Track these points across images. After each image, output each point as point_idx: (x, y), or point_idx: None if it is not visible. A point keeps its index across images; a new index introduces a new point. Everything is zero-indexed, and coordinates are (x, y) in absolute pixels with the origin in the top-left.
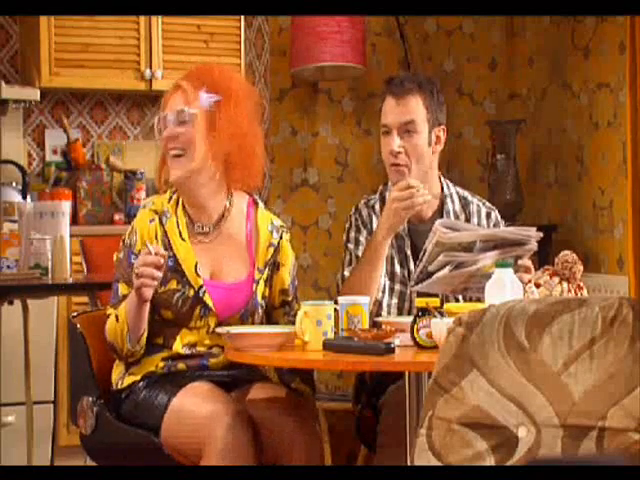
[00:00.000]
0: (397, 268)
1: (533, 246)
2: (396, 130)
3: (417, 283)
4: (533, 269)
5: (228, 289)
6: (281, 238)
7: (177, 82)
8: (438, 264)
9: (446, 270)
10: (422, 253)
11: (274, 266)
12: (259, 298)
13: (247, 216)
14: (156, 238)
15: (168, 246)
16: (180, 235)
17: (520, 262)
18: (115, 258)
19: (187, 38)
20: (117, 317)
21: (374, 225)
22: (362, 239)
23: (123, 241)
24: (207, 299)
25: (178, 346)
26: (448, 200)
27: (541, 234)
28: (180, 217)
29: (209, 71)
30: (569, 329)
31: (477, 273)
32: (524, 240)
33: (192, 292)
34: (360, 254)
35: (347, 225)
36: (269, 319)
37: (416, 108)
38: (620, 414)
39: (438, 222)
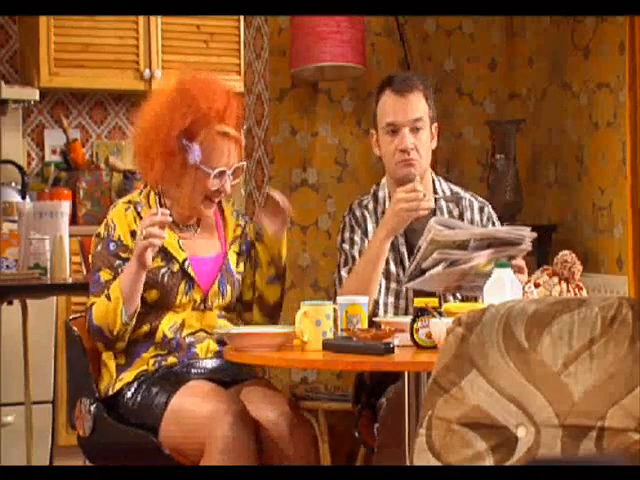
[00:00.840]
0: (392, 267)
1: (527, 246)
2: (406, 128)
3: (410, 280)
4: (526, 269)
5: (206, 261)
6: (247, 222)
7: (225, 130)
8: (432, 261)
9: (440, 267)
10: (416, 250)
11: (246, 249)
12: (232, 265)
13: (215, 211)
14: (135, 223)
15: None
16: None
17: (513, 262)
18: (91, 255)
19: (187, 38)
20: (108, 296)
21: (368, 225)
22: (357, 238)
23: (97, 235)
24: (191, 271)
25: (165, 327)
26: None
27: (535, 234)
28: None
29: (237, 106)
30: (569, 329)
31: (470, 271)
32: (518, 240)
33: (177, 266)
34: (356, 254)
35: (341, 226)
36: (250, 316)
37: (420, 105)
38: (620, 414)
39: (433, 220)
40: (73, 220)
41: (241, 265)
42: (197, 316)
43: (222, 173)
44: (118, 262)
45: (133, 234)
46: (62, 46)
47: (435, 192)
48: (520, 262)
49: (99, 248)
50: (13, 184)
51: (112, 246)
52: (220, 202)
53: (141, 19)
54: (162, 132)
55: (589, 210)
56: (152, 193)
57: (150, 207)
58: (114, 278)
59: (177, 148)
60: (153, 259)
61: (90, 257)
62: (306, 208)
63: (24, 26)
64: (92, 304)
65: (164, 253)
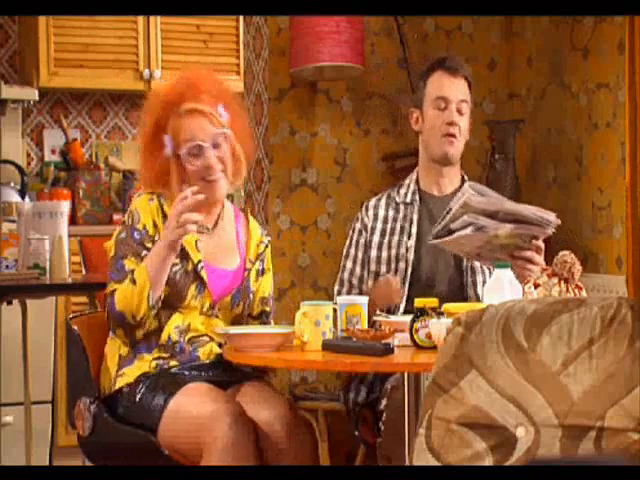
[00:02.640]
0: (395, 237)
1: (549, 231)
2: (454, 104)
3: (436, 238)
4: (543, 251)
5: (223, 273)
6: (268, 245)
7: (189, 107)
8: (461, 223)
9: (468, 230)
10: (445, 212)
11: (262, 268)
12: (251, 284)
13: (236, 219)
14: (157, 214)
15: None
16: None
17: (534, 242)
18: (113, 242)
19: (186, 38)
20: (133, 281)
21: (378, 222)
22: (362, 241)
23: (123, 223)
24: (203, 274)
25: (170, 327)
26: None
27: (559, 221)
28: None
29: (210, 82)
30: (568, 329)
31: (492, 240)
32: (543, 222)
33: (190, 266)
34: (356, 255)
35: (350, 230)
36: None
37: (466, 90)
38: (619, 414)
39: (467, 184)
40: (72, 220)
41: (257, 283)
42: (203, 321)
43: (197, 148)
44: (145, 252)
45: (155, 225)
46: (61, 46)
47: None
48: (540, 243)
49: (123, 235)
50: (12, 184)
51: (137, 235)
52: (246, 214)
53: (140, 19)
54: (143, 137)
55: (588, 210)
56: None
57: (172, 201)
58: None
59: (156, 147)
60: None
61: (111, 244)
62: (305, 208)
63: (23, 26)
64: (113, 290)
65: (181, 250)
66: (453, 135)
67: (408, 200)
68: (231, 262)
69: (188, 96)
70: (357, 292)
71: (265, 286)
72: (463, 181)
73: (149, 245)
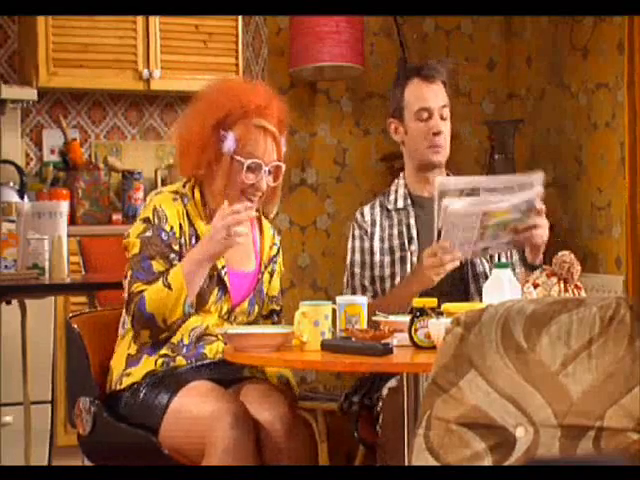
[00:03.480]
0: (395, 241)
1: (540, 188)
2: (437, 112)
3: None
4: (544, 213)
5: (241, 276)
6: (280, 246)
7: (263, 124)
8: (443, 219)
9: (458, 205)
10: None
11: (273, 270)
12: (264, 286)
13: (251, 222)
14: (182, 217)
15: (190, 225)
16: (200, 217)
17: (536, 205)
18: (136, 239)
19: (185, 38)
20: (168, 286)
21: (376, 229)
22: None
23: (146, 220)
24: (226, 279)
25: (186, 329)
26: None
27: (542, 174)
28: (198, 204)
29: (279, 108)
30: (567, 329)
31: (489, 221)
32: (527, 183)
33: (214, 271)
34: (363, 260)
35: (350, 238)
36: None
37: (444, 92)
38: (618, 414)
39: (438, 177)
40: (71, 220)
41: (269, 284)
42: (219, 323)
43: (257, 166)
44: (173, 255)
45: (180, 227)
46: (61, 46)
47: None
48: (538, 205)
49: (149, 234)
50: (11, 184)
51: (164, 236)
52: (260, 217)
53: (140, 19)
54: (199, 122)
55: (588, 210)
56: (197, 187)
57: (195, 202)
58: (167, 270)
59: (213, 138)
60: None
61: (132, 238)
62: (305, 208)
63: (23, 26)
64: (142, 291)
65: None
66: (439, 145)
67: (401, 206)
68: (248, 264)
69: (264, 112)
70: (371, 295)
71: (275, 285)
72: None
73: (176, 247)
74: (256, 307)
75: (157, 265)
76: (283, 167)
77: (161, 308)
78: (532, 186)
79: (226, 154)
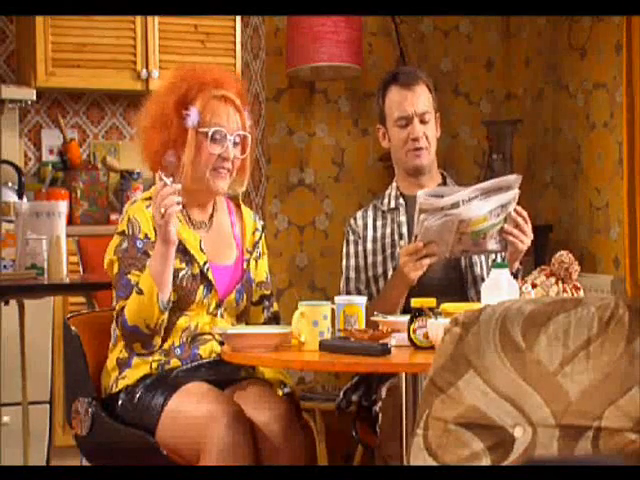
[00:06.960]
0: (387, 239)
1: (516, 191)
2: (416, 118)
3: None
4: (529, 219)
5: (224, 269)
6: (263, 230)
7: (225, 94)
8: (420, 226)
9: (432, 220)
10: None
11: (258, 254)
12: (252, 274)
13: (229, 211)
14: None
15: None
16: (179, 219)
17: (517, 208)
18: (114, 254)
19: (183, 38)
20: (140, 291)
21: (368, 233)
22: (360, 249)
23: (121, 233)
24: (210, 275)
25: (177, 333)
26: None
27: (520, 176)
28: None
29: (237, 81)
30: (565, 329)
31: (467, 228)
32: (505, 185)
33: (197, 269)
34: (358, 264)
35: (344, 244)
36: (249, 319)
37: (425, 96)
38: (616, 414)
39: (420, 192)
40: (70, 220)
41: (256, 270)
42: (209, 320)
43: (222, 136)
44: (149, 261)
45: (155, 231)
46: (59, 46)
47: (443, 182)
48: (521, 210)
49: (124, 246)
50: (10, 184)
51: (140, 244)
52: (239, 204)
53: (138, 19)
54: (160, 105)
55: (586, 210)
56: None
57: None
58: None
59: (176, 118)
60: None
61: (111, 255)
62: (303, 208)
63: (21, 26)
64: (122, 308)
65: (184, 254)
66: (419, 149)
67: (393, 206)
68: (230, 255)
69: (224, 84)
70: (367, 298)
71: (261, 270)
72: (443, 178)
73: (152, 252)
74: (245, 296)
75: (134, 277)
76: (249, 138)
77: (141, 315)
78: (509, 189)
79: (191, 129)
